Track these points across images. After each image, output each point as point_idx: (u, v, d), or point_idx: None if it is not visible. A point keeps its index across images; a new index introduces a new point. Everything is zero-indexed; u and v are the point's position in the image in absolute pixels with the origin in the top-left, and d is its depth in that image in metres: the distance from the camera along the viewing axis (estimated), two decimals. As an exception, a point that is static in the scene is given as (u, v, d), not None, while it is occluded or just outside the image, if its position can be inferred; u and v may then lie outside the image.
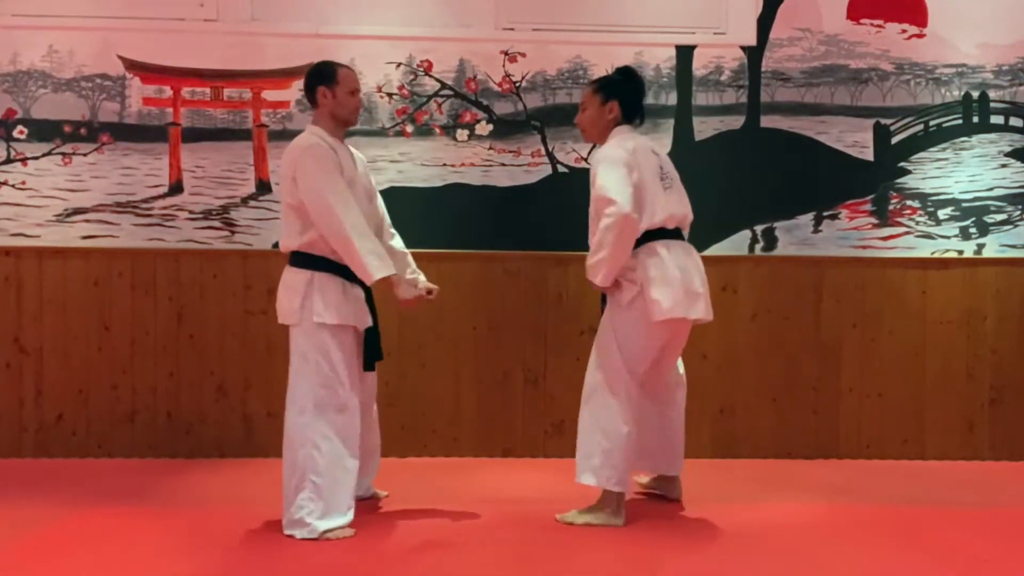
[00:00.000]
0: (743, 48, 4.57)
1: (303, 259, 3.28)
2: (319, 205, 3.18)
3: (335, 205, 3.17)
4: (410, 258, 3.62)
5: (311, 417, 3.20)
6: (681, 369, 3.67)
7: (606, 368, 3.41)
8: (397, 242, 3.63)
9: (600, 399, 3.39)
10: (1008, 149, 4.60)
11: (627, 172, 3.29)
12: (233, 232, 4.48)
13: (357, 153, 3.55)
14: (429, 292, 3.45)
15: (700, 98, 4.56)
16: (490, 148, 4.54)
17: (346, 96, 3.36)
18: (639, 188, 3.31)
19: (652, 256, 3.32)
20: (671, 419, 3.64)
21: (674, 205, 3.39)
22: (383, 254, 3.22)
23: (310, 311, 3.22)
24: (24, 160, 4.45)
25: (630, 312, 3.35)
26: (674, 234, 3.39)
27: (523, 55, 4.53)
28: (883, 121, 4.59)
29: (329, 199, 3.17)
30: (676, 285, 3.29)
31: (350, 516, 3.23)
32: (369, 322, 3.33)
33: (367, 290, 3.37)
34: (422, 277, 3.60)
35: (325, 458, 3.19)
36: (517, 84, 4.54)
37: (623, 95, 3.47)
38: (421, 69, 4.53)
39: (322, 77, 3.37)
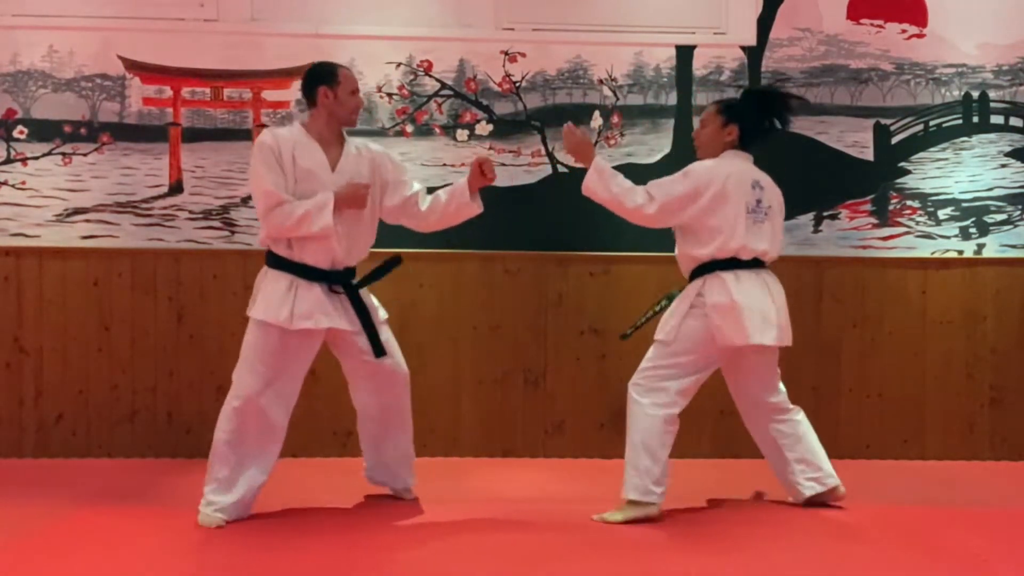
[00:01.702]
0: (743, 48, 4.57)
1: (266, 256, 3.40)
2: (255, 202, 3.37)
3: (260, 199, 3.30)
4: (446, 191, 3.55)
5: (231, 402, 3.32)
6: (781, 396, 3.66)
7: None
8: (426, 195, 3.56)
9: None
10: (1008, 149, 4.60)
11: (688, 191, 3.39)
12: (233, 232, 4.48)
13: (367, 148, 3.48)
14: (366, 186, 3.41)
15: (700, 98, 4.56)
16: (490, 148, 4.54)
17: (347, 96, 3.38)
18: (703, 213, 3.39)
19: (717, 282, 3.41)
20: (772, 451, 3.66)
21: (757, 239, 3.44)
22: (313, 203, 3.26)
23: (253, 305, 3.35)
24: (24, 160, 4.45)
25: (684, 331, 3.43)
26: (748, 264, 3.44)
27: (523, 55, 4.53)
28: (883, 121, 4.59)
29: (259, 195, 3.31)
30: (735, 315, 3.35)
31: (224, 501, 3.28)
32: (303, 324, 3.27)
33: (353, 290, 3.37)
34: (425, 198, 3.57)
35: (224, 444, 3.30)
36: (517, 84, 4.54)
37: (744, 120, 3.52)
38: (421, 69, 4.53)
39: (323, 77, 3.38)
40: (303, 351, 3.36)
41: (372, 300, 3.51)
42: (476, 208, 3.53)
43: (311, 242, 3.30)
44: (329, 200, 3.26)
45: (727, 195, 3.40)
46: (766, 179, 3.55)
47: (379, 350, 3.38)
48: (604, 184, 3.45)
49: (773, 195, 3.55)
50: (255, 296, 3.36)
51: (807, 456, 3.59)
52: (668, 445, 3.42)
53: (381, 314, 3.52)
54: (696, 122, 4.48)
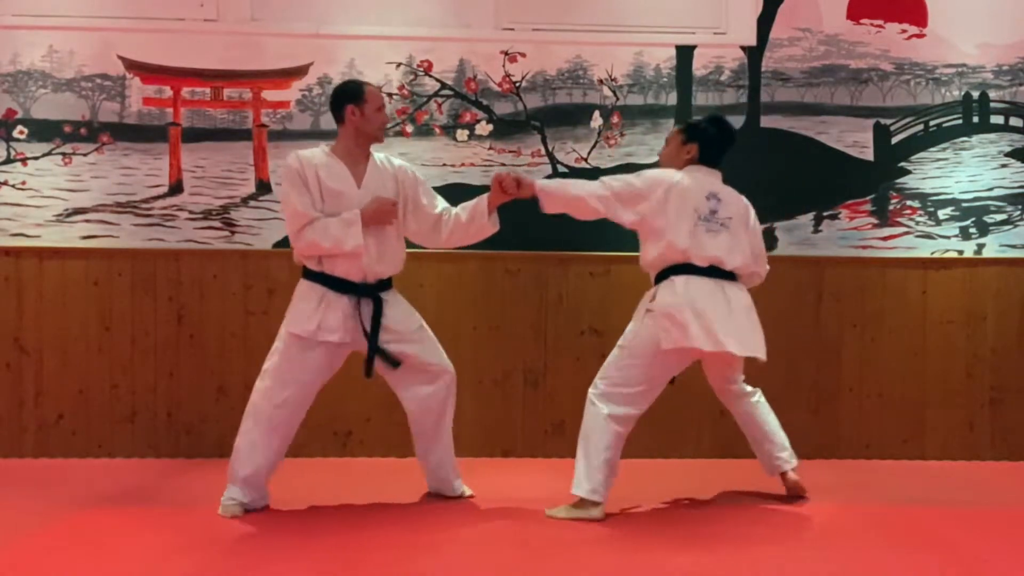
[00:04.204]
0: (743, 48, 4.57)
1: (302, 270, 3.49)
2: (286, 223, 3.44)
3: (290, 220, 3.38)
4: (465, 209, 3.58)
5: (253, 403, 3.45)
6: (741, 382, 3.74)
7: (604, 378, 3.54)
8: (450, 214, 3.58)
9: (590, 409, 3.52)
10: (1008, 149, 4.60)
11: (639, 187, 3.47)
12: (233, 232, 4.48)
13: (390, 163, 3.54)
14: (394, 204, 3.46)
15: (700, 98, 4.56)
16: (490, 148, 4.54)
17: (373, 113, 3.44)
18: (651, 213, 3.46)
19: (668, 286, 3.46)
20: (751, 431, 3.77)
21: (709, 247, 3.47)
22: (341, 220, 3.33)
23: (287, 317, 3.46)
24: (24, 160, 4.46)
25: (637, 336, 3.48)
26: (705, 271, 3.46)
27: (523, 55, 4.54)
28: (883, 121, 4.59)
29: (288, 216, 3.39)
30: (682, 316, 3.37)
31: (244, 498, 3.44)
32: (328, 337, 3.36)
33: (378, 302, 3.42)
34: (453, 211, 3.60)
35: (245, 444, 3.44)
36: (517, 84, 4.54)
37: (703, 140, 3.61)
38: (421, 69, 4.53)
39: (350, 95, 3.45)
40: (326, 362, 3.44)
41: (403, 309, 3.54)
42: (493, 227, 3.59)
43: (341, 257, 3.38)
44: (356, 218, 3.34)
45: (672, 198, 3.45)
46: (728, 192, 3.59)
47: (368, 371, 3.44)
48: (555, 192, 3.52)
49: (735, 207, 3.57)
50: (290, 306, 3.46)
51: (761, 442, 3.74)
52: (617, 448, 3.46)
53: (414, 321, 3.56)
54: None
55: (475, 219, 3.54)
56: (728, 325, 3.41)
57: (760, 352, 3.52)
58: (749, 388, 3.74)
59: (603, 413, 3.44)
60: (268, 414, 3.40)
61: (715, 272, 3.47)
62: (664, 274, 3.49)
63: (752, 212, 3.65)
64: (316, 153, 3.44)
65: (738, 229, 3.56)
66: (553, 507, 3.48)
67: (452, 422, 3.68)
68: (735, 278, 3.54)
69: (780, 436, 3.75)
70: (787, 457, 3.73)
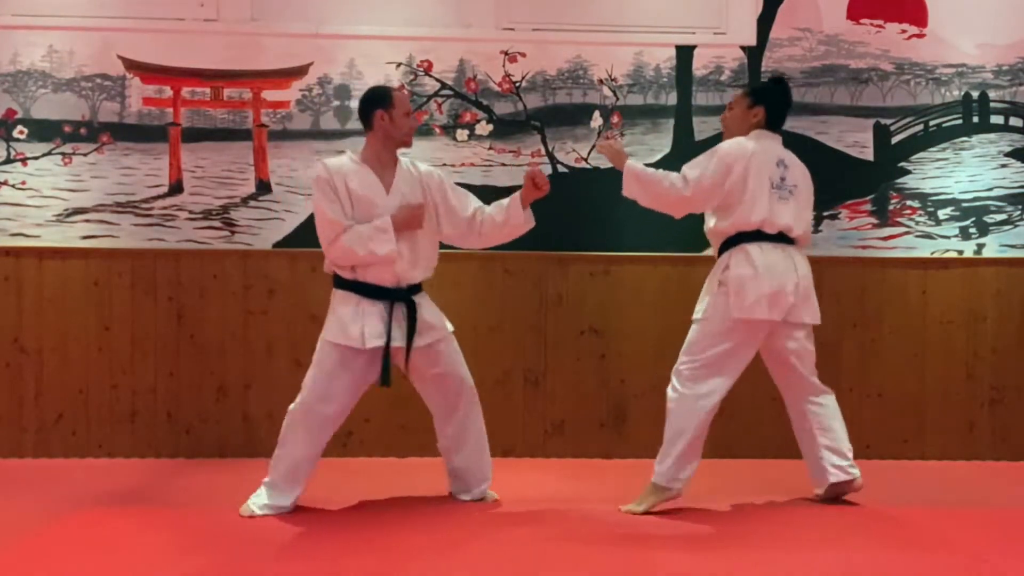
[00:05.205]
0: (743, 48, 4.57)
1: (333, 279, 3.49)
2: (318, 232, 3.43)
3: (324, 230, 3.38)
4: (499, 208, 3.58)
5: (294, 414, 3.44)
6: (815, 376, 3.67)
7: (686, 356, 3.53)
8: (483, 214, 3.58)
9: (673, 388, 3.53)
10: (1008, 149, 4.60)
11: (719, 167, 3.43)
12: (233, 232, 4.48)
13: (416, 168, 3.55)
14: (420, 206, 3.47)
15: (700, 98, 4.56)
16: (490, 148, 4.54)
17: (402, 118, 3.46)
18: (733, 186, 3.44)
19: (741, 255, 3.45)
20: (804, 430, 3.68)
21: (780, 214, 3.47)
22: (374, 228, 3.34)
23: (327, 327, 3.45)
24: (24, 160, 4.46)
25: (714, 309, 3.46)
26: (774, 238, 3.47)
27: (523, 55, 4.54)
28: (883, 121, 4.59)
29: (321, 226, 3.39)
30: (758, 286, 3.38)
31: (285, 503, 3.44)
32: (374, 343, 3.36)
33: (411, 306, 3.44)
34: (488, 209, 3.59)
35: (286, 453, 3.44)
36: (517, 84, 4.54)
37: (770, 103, 3.60)
38: (421, 69, 4.53)
39: (378, 100, 3.46)
40: (368, 369, 3.44)
41: (435, 311, 3.57)
42: (528, 223, 3.59)
43: (374, 264, 3.38)
44: (388, 225, 3.35)
45: (752, 170, 3.44)
46: (792, 158, 3.60)
47: (385, 380, 3.46)
48: (639, 182, 3.49)
49: (799, 174, 3.59)
50: (328, 317, 3.45)
51: (835, 444, 3.62)
52: (701, 431, 3.46)
53: (446, 324, 3.58)
54: (696, 122, 4.54)
55: (510, 217, 3.54)
56: (799, 295, 3.45)
57: (818, 318, 3.56)
58: (821, 385, 3.67)
59: (689, 395, 3.44)
60: (310, 426, 3.41)
61: (782, 238, 3.49)
62: (732, 241, 3.48)
63: (809, 178, 3.65)
64: (344, 161, 3.45)
65: (801, 196, 3.57)
66: (626, 504, 3.51)
67: (483, 427, 3.67)
68: (795, 243, 3.56)
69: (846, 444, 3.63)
70: (847, 467, 3.61)
